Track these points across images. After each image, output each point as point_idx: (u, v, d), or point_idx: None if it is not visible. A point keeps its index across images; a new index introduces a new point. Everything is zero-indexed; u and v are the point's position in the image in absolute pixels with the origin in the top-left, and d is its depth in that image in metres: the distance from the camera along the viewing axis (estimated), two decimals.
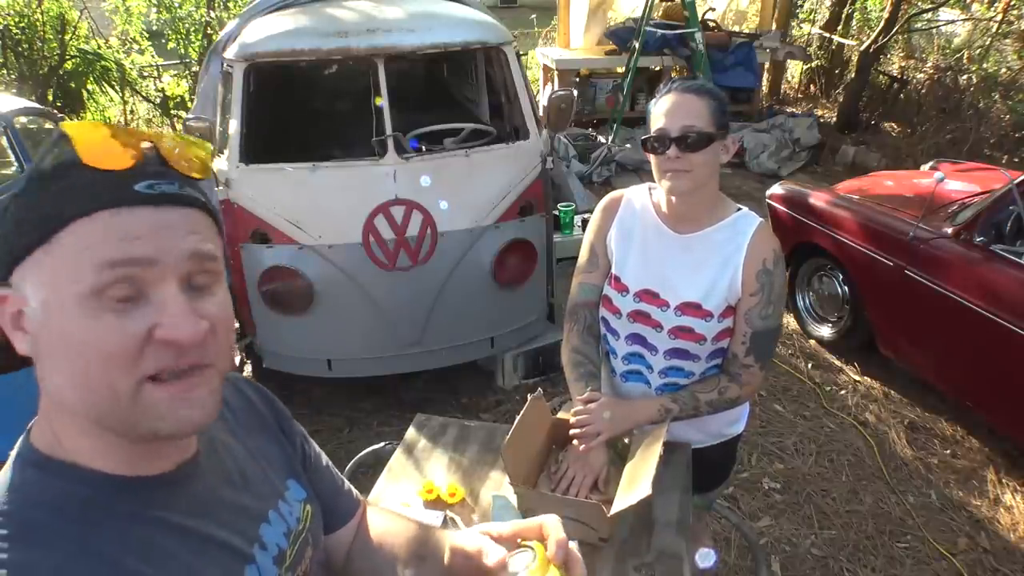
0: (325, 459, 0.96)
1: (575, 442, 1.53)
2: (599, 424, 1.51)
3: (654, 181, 1.57)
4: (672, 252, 1.57)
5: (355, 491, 0.99)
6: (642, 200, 1.64)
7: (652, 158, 1.49)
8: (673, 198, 1.53)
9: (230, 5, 8.01)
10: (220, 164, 3.09)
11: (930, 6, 8.60)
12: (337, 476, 0.97)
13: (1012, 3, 8.22)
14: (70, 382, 0.61)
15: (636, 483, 1.33)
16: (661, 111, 1.47)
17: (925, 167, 4.44)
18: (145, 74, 8.39)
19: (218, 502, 0.73)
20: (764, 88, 9.09)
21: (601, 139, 7.21)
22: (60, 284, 0.58)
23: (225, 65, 3.30)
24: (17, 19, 7.66)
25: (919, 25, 9.08)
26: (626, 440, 1.58)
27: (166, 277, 0.60)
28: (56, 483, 0.62)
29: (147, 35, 8.15)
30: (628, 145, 6.96)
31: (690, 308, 1.55)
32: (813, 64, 9.50)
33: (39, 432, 0.66)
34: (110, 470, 0.64)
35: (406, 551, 0.92)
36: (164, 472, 0.68)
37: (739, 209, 1.57)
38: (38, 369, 0.63)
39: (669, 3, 7.91)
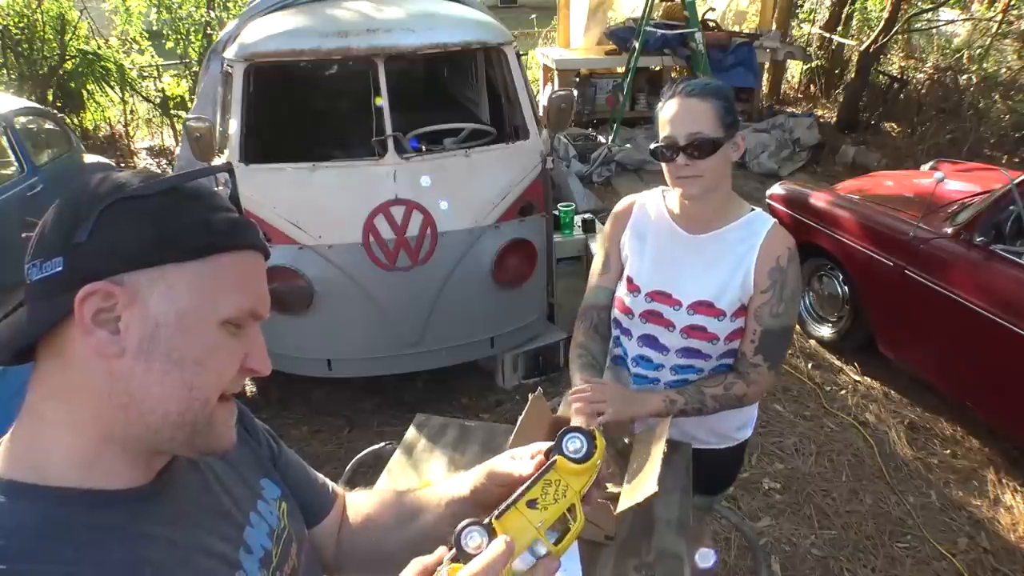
0: (294, 455, 0.96)
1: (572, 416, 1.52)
2: (609, 403, 1.47)
3: (655, 181, 1.58)
4: (685, 252, 1.58)
5: (331, 484, 0.99)
6: (655, 203, 1.65)
7: (663, 165, 1.50)
8: (687, 201, 1.55)
9: (230, 5, 8.00)
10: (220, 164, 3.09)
11: (930, 6, 8.60)
12: (308, 471, 0.97)
13: (1012, 3, 8.22)
14: (175, 387, 0.63)
15: (641, 481, 1.33)
16: (667, 117, 1.48)
17: (925, 167, 4.44)
18: (145, 74, 8.38)
19: (200, 509, 0.73)
20: (764, 88, 9.09)
21: (601, 139, 7.21)
22: (207, 301, 0.64)
23: (225, 65, 3.30)
24: (17, 19, 7.65)
25: (919, 25, 9.09)
26: (626, 440, 1.58)
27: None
28: (29, 506, 0.60)
29: (147, 35, 8.14)
30: (628, 145, 6.96)
31: (702, 307, 1.56)
32: (813, 64, 9.50)
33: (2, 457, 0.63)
34: (94, 485, 0.63)
35: (406, 512, 0.92)
36: (147, 482, 0.68)
37: (752, 209, 1.59)
38: (123, 371, 0.62)
39: (669, 3, 7.91)
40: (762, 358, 1.55)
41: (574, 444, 0.72)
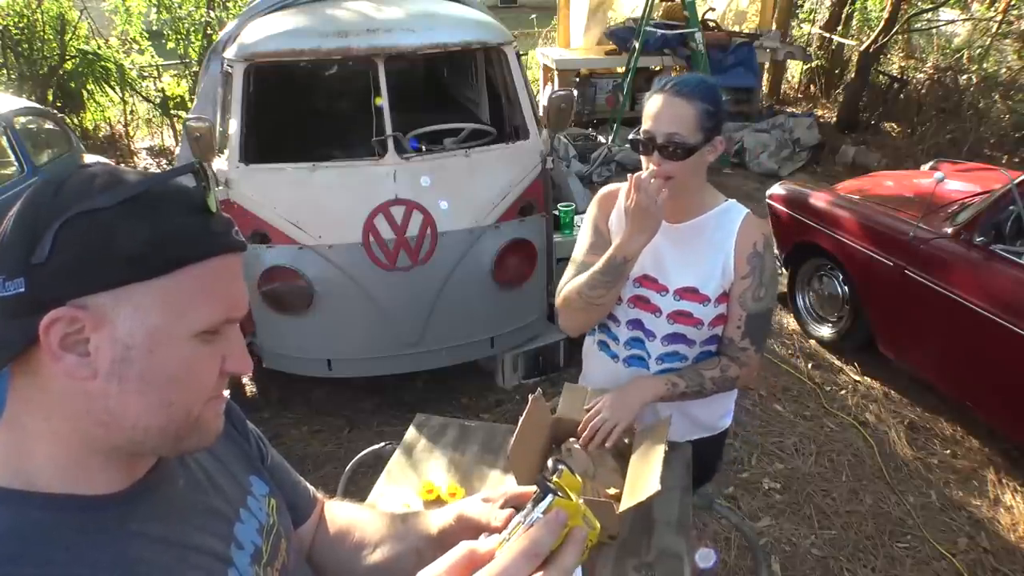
0: (280, 457, 0.96)
1: (571, 440, 1.55)
2: (614, 418, 1.53)
3: None
4: (666, 241, 1.60)
5: (312, 489, 0.99)
6: None
7: (641, 156, 1.53)
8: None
9: (230, 5, 8.00)
10: (220, 164, 3.09)
11: (930, 6, 8.60)
12: (293, 474, 0.97)
13: (1012, 3, 8.22)
14: (153, 405, 0.63)
15: (643, 480, 1.33)
16: (650, 112, 1.50)
17: (925, 167, 4.44)
18: (145, 74, 8.38)
19: (190, 507, 0.72)
20: (764, 88, 9.09)
21: (601, 139, 7.22)
22: (177, 317, 0.62)
23: (225, 65, 3.30)
24: (17, 19, 7.65)
25: (919, 25, 9.09)
26: (626, 440, 1.58)
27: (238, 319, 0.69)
28: (16, 511, 0.60)
29: (147, 35, 8.14)
30: (628, 145, 6.95)
31: (688, 293, 1.59)
32: (813, 64, 9.50)
33: None
34: (81, 491, 0.63)
35: (373, 537, 0.92)
36: (133, 484, 0.67)
37: (727, 200, 1.63)
38: (98, 392, 0.61)
39: (669, 3, 7.92)
40: (749, 341, 1.59)
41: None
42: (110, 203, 0.59)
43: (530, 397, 1.55)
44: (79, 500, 0.63)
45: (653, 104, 1.50)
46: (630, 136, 1.55)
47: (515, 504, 0.77)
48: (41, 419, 0.63)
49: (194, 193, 0.64)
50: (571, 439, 1.57)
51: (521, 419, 1.47)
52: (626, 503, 1.31)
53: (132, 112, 8.63)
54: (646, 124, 1.50)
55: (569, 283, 1.65)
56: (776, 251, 4.29)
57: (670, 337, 1.62)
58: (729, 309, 1.59)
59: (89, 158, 5.79)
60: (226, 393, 0.74)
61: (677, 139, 1.46)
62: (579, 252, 1.72)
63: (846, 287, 3.77)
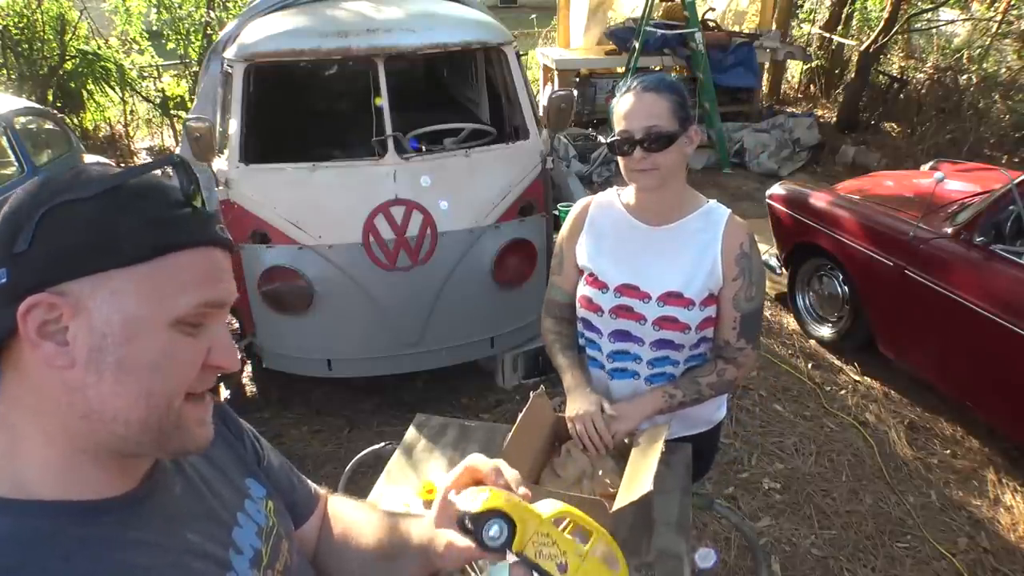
0: (278, 457, 0.95)
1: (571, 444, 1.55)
2: (614, 429, 1.54)
3: None
4: (647, 245, 1.60)
5: (313, 486, 0.99)
6: (610, 201, 1.68)
7: (619, 159, 1.52)
8: (643, 194, 1.59)
9: (230, 5, 8.01)
10: (220, 164, 3.09)
11: (930, 6, 8.60)
12: (292, 472, 0.96)
13: (1012, 3, 8.23)
14: (132, 395, 0.62)
15: (637, 481, 1.33)
16: (622, 112, 1.50)
17: (925, 167, 4.44)
18: (145, 74, 8.39)
19: (188, 513, 0.72)
20: (764, 88, 9.09)
21: (601, 139, 7.22)
22: (155, 304, 0.62)
23: (225, 65, 3.30)
24: (17, 19, 7.66)
25: (919, 25, 9.09)
26: (626, 440, 1.58)
27: (223, 314, 0.68)
28: (13, 520, 0.59)
29: (147, 35, 8.15)
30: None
31: (672, 297, 1.57)
32: (813, 64, 9.50)
33: None
34: (76, 496, 0.63)
35: (381, 544, 0.92)
36: (130, 490, 0.67)
37: (708, 201, 1.63)
38: (77, 382, 0.60)
39: (669, 3, 7.91)
40: (745, 341, 1.60)
41: (493, 530, 0.73)
42: (90, 193, 0.60)
43: (532, 395, 1.56)
44: (76, 506, 0.62)
45: (624, 104, 1.50)
46: (606, 141, 1.55)
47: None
48: (30, 416, 0.62)
49: (177, 188, 0.65)
50: (571, 440, 1.57)
51: (520, 415, 1.47)
52: (619, 502, 1.31)
53: (132, 112, 8.63)
54: (620, 125, 1.49)
55: (545, 325, 1.79)
56: (775, 250, 4.31)
57: (658, 343, 1.61)
58: (722, 312, 1.58)
59: (89, 158, 5.79)
60: (226, 394, 0.74)
61: (656, 130, 1.46)
62: (553, 268, 1.78)
63: (846, 287, 3.77)
